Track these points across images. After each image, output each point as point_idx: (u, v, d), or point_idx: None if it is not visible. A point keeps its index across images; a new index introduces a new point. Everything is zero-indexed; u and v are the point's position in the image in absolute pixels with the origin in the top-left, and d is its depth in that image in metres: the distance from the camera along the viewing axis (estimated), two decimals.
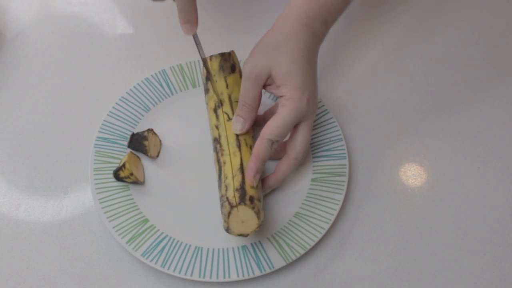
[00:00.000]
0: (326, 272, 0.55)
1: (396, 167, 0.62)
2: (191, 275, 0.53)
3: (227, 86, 0.58)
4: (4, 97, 0.67)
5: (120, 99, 0.63)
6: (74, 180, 0.61)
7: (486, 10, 0.75)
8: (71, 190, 0.60)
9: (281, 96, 0.53)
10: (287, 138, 0.56)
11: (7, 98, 0.67)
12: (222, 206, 0.52)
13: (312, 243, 0.54)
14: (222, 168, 0.54)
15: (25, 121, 0.65)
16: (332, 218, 0.56)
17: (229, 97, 0.57)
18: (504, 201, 0.59)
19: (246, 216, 0.50)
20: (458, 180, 0.61)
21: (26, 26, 0.73)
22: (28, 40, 0.72)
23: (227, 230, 0.51)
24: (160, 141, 0.62)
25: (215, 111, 0.57)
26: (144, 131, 0.60)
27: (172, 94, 0.65)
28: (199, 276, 0.53)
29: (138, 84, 0.65)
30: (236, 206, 0.50)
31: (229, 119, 0.56)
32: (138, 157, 0.60)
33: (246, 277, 0.53)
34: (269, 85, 0.54)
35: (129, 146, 0.60)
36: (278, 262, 0.54)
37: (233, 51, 0.60)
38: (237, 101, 0.57)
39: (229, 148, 0.54)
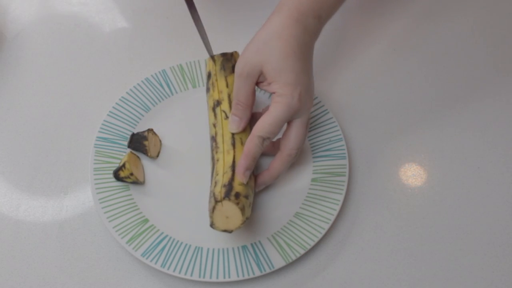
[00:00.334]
0: (326, 272, 0.55)
1: (396, 167, 0.62)
2: (191, 275, 0.53)
3: (227, 85, 0.58)
4: (4, 97, 0.67)
5: (120, 99, 0.63)
6: (74, 180, 0.61)
7: (487, 10, 0.75)
8: (71, 190, 0.60)
9: (273, 93, 0.52)
10: (281, 135, 0.55)
11: (7, 98, 0.67)
12: (209, 201, 0.52)
13: (312, 243, 0.54)
14: (215, 165, 0.54)
15: (25, 121, 0.65)
16: (332, 218, 0.56)
17: (229, 96, 0.57)
18: (504, 201, 0.59)
19: (230, 212, 0.50)
20: (458, 180, 0.61)
21: (26, 26, 0.73)
22: (28, 40, 0.72)
23: (212, 225, 0.50)
24: (160, 141, 0.62)
25: (213, 109, 0.57)
26: (144, 131, 0.60)
27: (172, 94, 0.65)
28: (199, 276, 0.53)
29: (138, 84, 0.65)
30: (221, 201, 0.50)
31: (227, 117, 0.56)
32: (138, 157, 0.60)
33: (246, 277, 0.53)
34: (262, 82, 0.54)
35: (129, 146, 0.60)
36: (278, 262, 0.53)
37: (236, 52, 0.60)
38: None
39: (223, 146, 0.55)
